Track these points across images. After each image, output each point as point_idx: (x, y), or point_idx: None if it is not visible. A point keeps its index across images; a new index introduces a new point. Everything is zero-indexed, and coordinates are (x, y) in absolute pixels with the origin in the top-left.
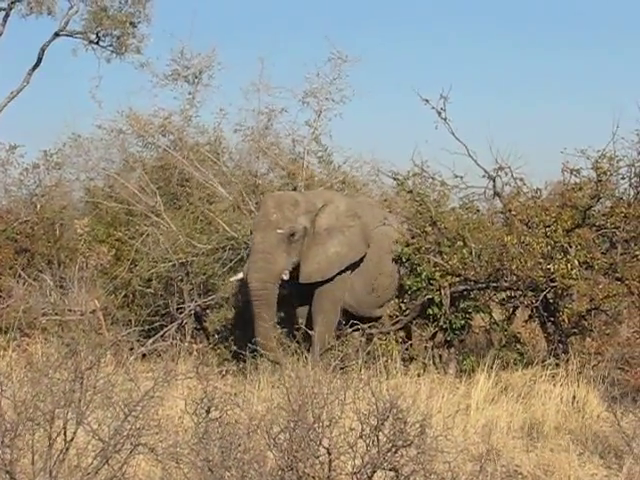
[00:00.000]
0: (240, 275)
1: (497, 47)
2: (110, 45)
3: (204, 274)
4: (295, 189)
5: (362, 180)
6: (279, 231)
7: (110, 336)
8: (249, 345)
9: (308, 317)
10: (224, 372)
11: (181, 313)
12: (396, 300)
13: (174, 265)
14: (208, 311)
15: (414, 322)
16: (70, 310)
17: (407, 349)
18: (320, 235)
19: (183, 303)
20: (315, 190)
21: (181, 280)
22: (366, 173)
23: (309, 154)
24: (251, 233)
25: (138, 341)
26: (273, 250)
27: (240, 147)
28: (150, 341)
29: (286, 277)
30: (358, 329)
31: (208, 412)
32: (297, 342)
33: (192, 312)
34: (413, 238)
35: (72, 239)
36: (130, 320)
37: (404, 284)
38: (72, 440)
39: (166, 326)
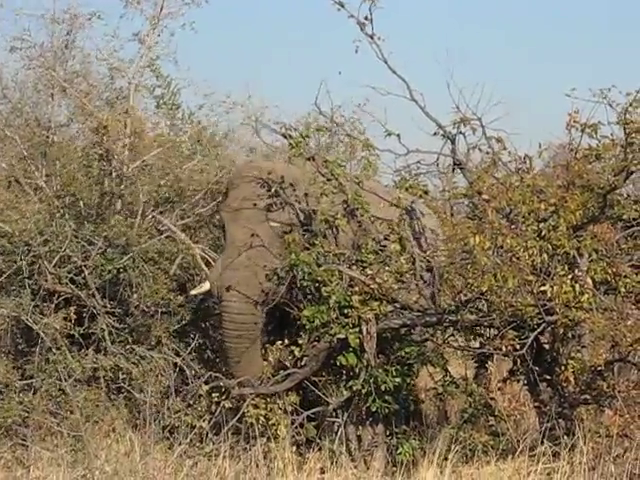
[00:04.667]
0: (205, 286)
1: None
2: None
3: None
4: (107, 155)
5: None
6: (273, 224)
7: None
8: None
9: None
10: None
11: None
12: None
13: None
14: None
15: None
16: None
17: (303, 425)
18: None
19: None
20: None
21: None
22: (238, 126)
23: (139, 91)
24: (215, 225)
25: None
26: (263, 253)
27: (21, 79)
28: None
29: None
30: None
31: None
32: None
33: None
34: (314, 237)
35: None
36: None
37: (300, 315)
38: None
39: None
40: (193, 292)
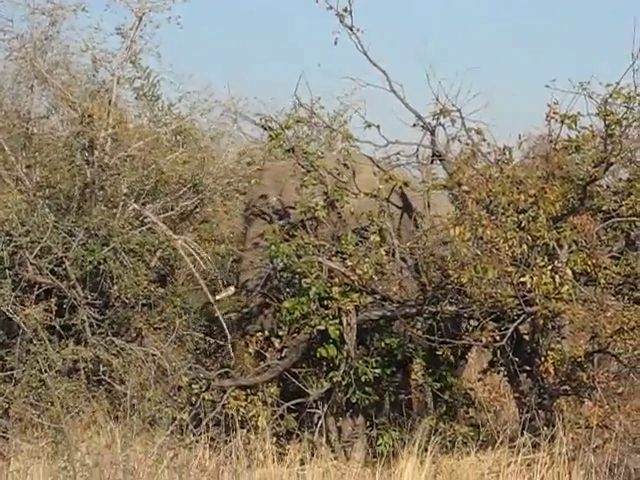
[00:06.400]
0: (231, 290)
1: None
2: None
3: None
4: (92, 144)
5: (211, 129)
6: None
7: None
8: None
9: None
10: None
11: None
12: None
13: None
14: None
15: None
16: None
17: (283, 416)
18: None
19: None
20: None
21: None
22: (218, 119)
23: (120, 84)
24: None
25: None
26: None
27: (2, 70)
28: None
29: None
30: None
31: None
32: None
33: None
34: (294, 228)
35: None
36: None
37: (280, 306)
38: None
39: None
40: (219, 297)
